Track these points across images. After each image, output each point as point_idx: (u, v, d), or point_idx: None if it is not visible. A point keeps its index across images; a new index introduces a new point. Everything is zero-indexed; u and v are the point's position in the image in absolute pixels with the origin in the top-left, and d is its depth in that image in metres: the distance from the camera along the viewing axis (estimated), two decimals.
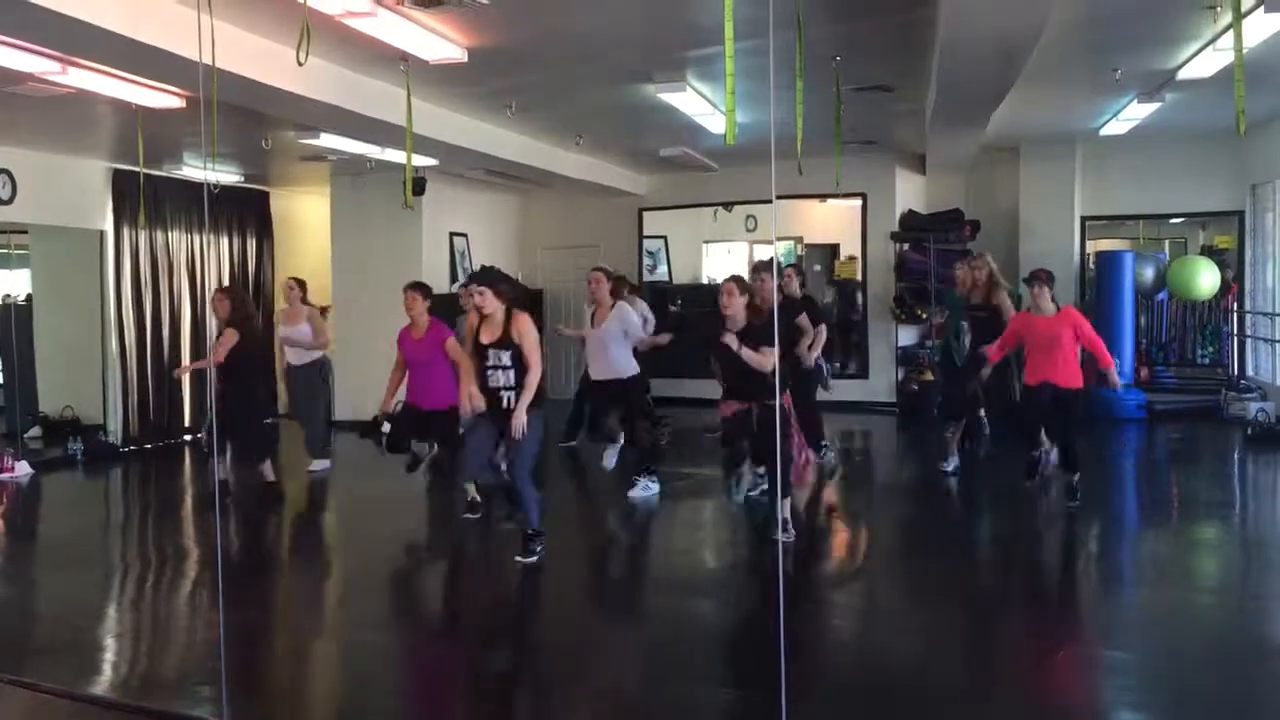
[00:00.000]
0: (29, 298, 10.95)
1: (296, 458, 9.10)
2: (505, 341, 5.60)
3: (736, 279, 6.15)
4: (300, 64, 4.19)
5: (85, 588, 5.77)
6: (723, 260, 14.88)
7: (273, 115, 7.49)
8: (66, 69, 5.98)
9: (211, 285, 10.88)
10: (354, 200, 11.63)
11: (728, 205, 13.58)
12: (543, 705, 4.16)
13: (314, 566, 6.61)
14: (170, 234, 10.78)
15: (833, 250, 15.37)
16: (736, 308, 5.93)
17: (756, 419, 5.96)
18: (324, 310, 9.22)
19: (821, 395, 8.05)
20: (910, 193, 12.36)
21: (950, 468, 8.01)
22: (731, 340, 5.86)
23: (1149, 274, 11.39)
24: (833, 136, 7.45)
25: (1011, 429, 7.67)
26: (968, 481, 7.94)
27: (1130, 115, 9.29)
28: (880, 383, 12.36)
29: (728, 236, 14.85)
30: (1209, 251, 11.75)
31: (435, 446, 7.12)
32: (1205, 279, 10.82)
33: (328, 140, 8.67)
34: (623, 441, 7.56)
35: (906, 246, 12.18)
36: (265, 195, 12.30)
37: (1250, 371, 11.21)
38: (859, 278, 12.80)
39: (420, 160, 9.28)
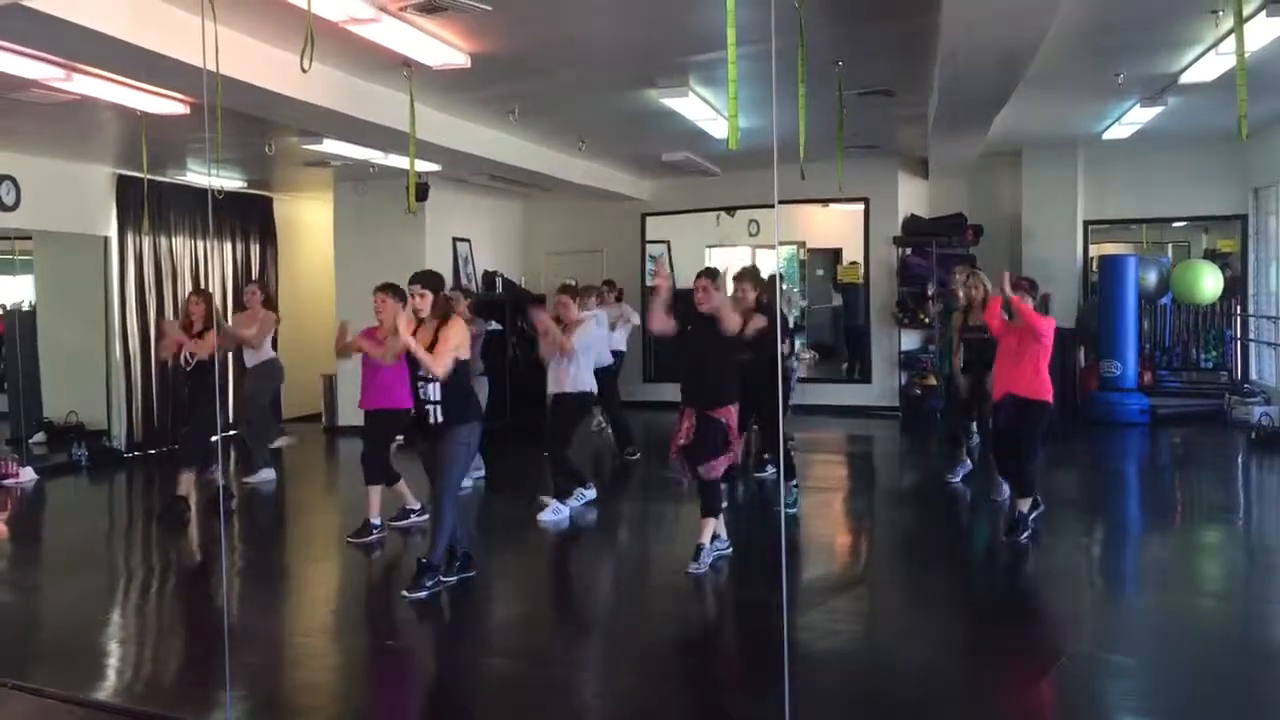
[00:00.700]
0: (33, 304, 10.97)
1: (298, 459, 9.13)
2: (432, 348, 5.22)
3: (709, 272, 5.90)
4: (304, 70, 4.20)
5: (89, 593, 5.79)
6: (726, 265, 14.86)
7: (276, 121, 7.51)
8: (71, 75, 5.99)
9: (216, 291, 10.89)
10: (357, 206, 11.65)
11: (730, 210, 13.59)
12: (542, 710, 4.16)
13: (318, 570, 6.62)
14: (174, 240, 10.79)
15: (835, 255, 15.40)
16: (712, 303, 5.70)
17: (696, 427, 5.70)
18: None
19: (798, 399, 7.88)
20: (913, 197, 12.37)
21: (957, 478, 7.93)
22: (730, 316, 5.60)
23: (1152, 278, 11.38)
24: (835, 141, 7.46)
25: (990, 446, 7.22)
26: (970, 487, 7.93)
27: (1132, 119, 9.29)
28: (882, 387, 12.36)
29: (731, 241, 14.85)
30: (1212, 255, 11.75)
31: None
32: (1208, 283, 10.82)
33: (331, 146, 8.68)
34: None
35: (909, 251, 12.18)
36: (269, 201, 12.32)
37: (1254, 375, 11.19)
38: (861, 282, 12.81)
39: (423, 165, 9.29)
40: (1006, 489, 6.95)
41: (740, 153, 5.18)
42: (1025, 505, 6.33)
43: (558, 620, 5.40)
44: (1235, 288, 11.21)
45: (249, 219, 12.00)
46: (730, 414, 5.72)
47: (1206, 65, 7.02)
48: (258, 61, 5.92)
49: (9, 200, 9.08)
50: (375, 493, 6.82)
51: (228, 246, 11.73)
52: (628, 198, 12.85)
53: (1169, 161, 11.11)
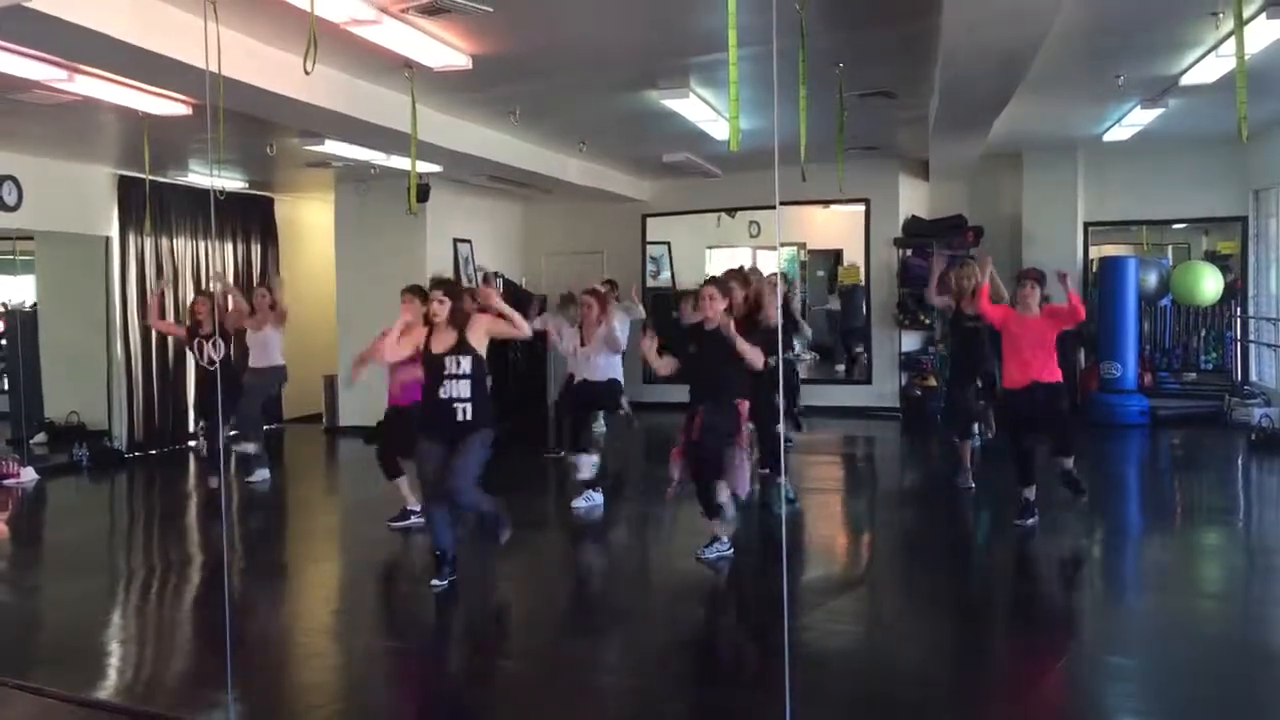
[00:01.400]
0: (35, 304, 10.99)
1: (299, 460, 9.14)
2: (463, 347, 5.37)
3: (716, 281, 6.05)
4: (307, 72, 4.21)
5: (91, 593, 5.79)
6: (726, 266, 14.88)
7: (277, 122, 7.52)
8: (73, 76, 6.00)
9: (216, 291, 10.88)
10: (358, 206, 11.65)
11: (731, 211, 13.60)
12: (545, 710, 4.16)
13: (319, 570, 6.63)
14: (175, 240, 10.81)
15: (836, 256, 15.41)
16: (718, 312, 5.79)
17: (702, 423, 5.77)
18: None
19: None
20: (913, 198, 12.37)
21: (969, 483, 7.80)
22: (727, 327, 5.66)
23: (1152, 279, 11.39)
24: (835, 142, 7.46)
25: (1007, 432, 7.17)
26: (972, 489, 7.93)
27: (1133, 121, 9.29)
28: (883, 388, 12.37)
29: (731, 242, 14.87)
30: (1212, 257, 11.75)
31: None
32: (1208, 285, 10.82)
33: (332, 147, 8.69)
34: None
35: (910, 252, 12.19)
36: (270, 201, 12.33)
37: (1254, 377, 11.19)
38: (862, 283, 12.82)
39: (424, 167, 9.30)
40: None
41: (741, 154, 5.18)
42: (1070, 462, 6.64)
43: (558, 619, 5.40)
44: (1235, 290, 11.22)
45: (250, 220, 12.02)
46: (743, 405, 5.87)
47: (1207, 67, 7.03)
48: (259, 62, 5.93)
49: (11, 200, 9.09)
50: (404, 483, 6.93)
51: (229, 247, 11.75)
52: (628, 199, 12.86)
53: (1169, 163, 11.12)
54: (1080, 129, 10.22)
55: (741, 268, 7.71)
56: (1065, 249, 11.71)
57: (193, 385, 9.67)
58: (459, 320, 5.42)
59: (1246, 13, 5.27)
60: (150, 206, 9.63)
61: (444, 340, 5.41)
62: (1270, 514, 7.97)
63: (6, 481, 8.86)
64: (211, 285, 10.01)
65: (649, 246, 13.62)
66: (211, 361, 7.69)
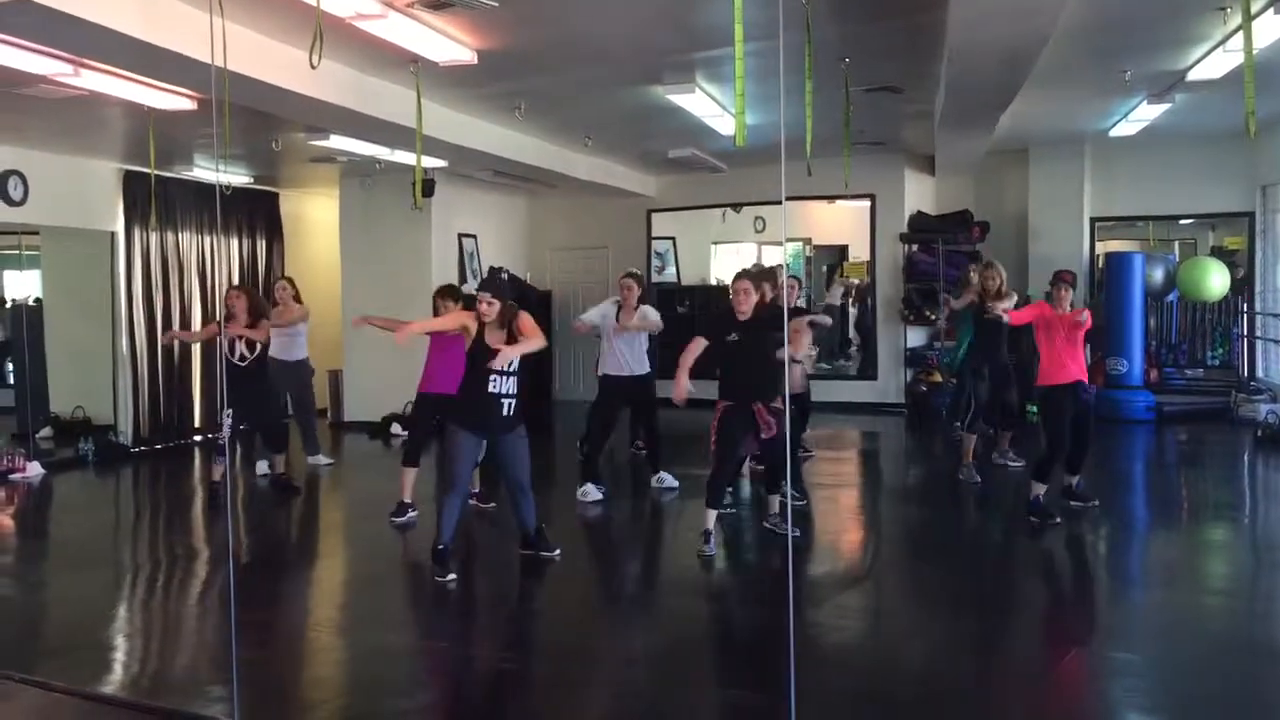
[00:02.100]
0: (40, 299, 11.01)
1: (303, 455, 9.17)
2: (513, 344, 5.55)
3: (750, 275, 6.16)
4: (314, 66, 4.20)
5: (96, 587, 5.80)
6: (731, 261, 14.89)
7: (283, 117, 7.52)
8: (79, 71, 6.01)
9: (222, 286, 10.91)
10: (363, 201, 11.66)
11: (736, 206, 13.59)
12: (551, 706, 4.16)
13: (324, 565, 6.64)
14: (181, 235, 10.82)
15: (841, 251, 15.38)
16: (751, 305, 5.97)
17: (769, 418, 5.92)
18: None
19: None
20: (919, 194, 12.35)
21: (974, 478, 7.84)
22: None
23: (1159, 275, 11.37)
24: (842, 138, 7.45)
25: (1051, 433, 6.82)
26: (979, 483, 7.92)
27: (1140, 116, 9.27)
28: (888, 384, 12.36)
29: (736, 238, 14.85)
30: (1219, 252, 11.72)
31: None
32: (1215, 280, 10.80)
33: (337, 142, 8.70)
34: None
35: (915, 247, 12.18)
36: (275, 196, 12.33)
37: (1260, 373, 11.17)
38: (868, 279, 12.80)
39: (429, 161, 9.30)
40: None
41: (746, 149, 5.19)
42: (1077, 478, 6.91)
43: (562, 617, 5.41)
44: (1242, 285, 11.19)
45: (255, 214, 12.02)
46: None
47: (1214, 62, 7.01)
48: (265, 57, 5.93)
49: (17, 195, 9.10)
50: (410, 474, 7.03)
51: (234, 242, 11.76)
52: (633, 194, 12.84)
53: (1176, 159, 11.09)
54: (1087, 124, 10.20)
55: (772, 268, 7.67)
56: (1071, 244, 11.70)
57: (220, 380, 9.72)
58: (507, 318, 5.55)
59: (1254, 7, 5.25)
60: (155, 201, 9.62)
61: (495, 339, 5.54)
62: (1276, 510, 7.95)
63: (12, 476, 8.87)
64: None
65: (654, 242, 13.62)
66: (243, 358, 7.70)
